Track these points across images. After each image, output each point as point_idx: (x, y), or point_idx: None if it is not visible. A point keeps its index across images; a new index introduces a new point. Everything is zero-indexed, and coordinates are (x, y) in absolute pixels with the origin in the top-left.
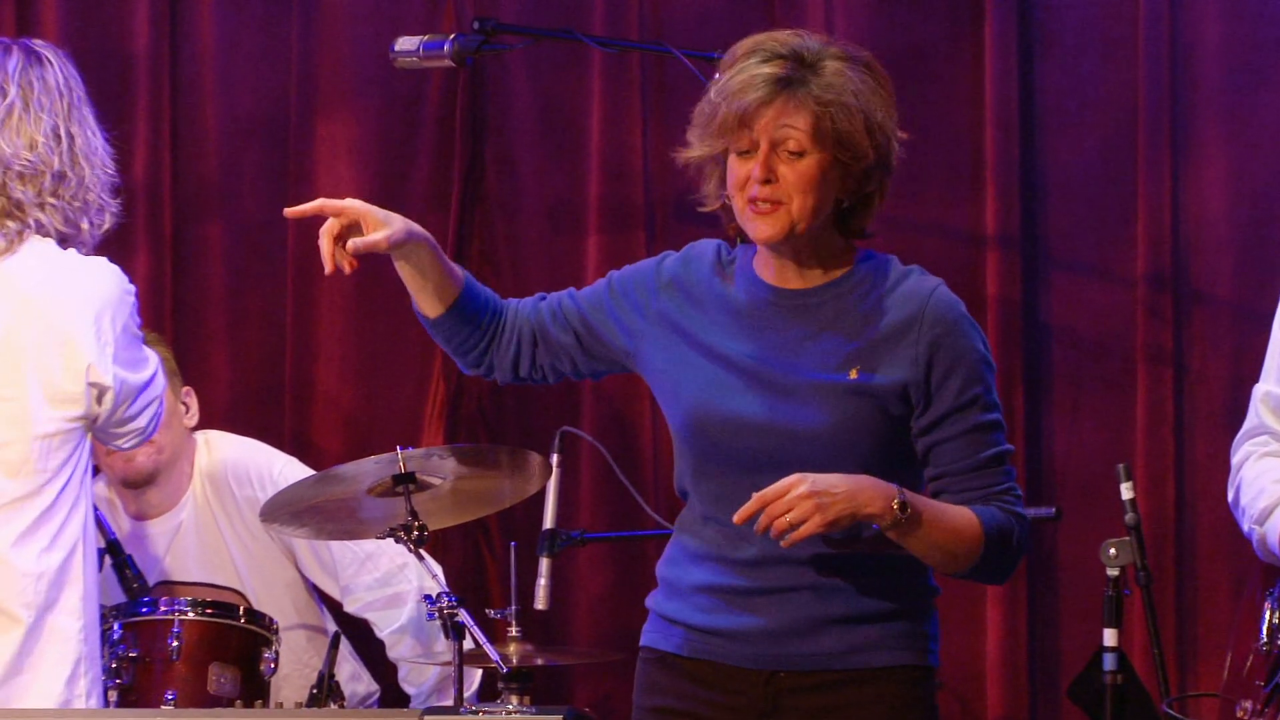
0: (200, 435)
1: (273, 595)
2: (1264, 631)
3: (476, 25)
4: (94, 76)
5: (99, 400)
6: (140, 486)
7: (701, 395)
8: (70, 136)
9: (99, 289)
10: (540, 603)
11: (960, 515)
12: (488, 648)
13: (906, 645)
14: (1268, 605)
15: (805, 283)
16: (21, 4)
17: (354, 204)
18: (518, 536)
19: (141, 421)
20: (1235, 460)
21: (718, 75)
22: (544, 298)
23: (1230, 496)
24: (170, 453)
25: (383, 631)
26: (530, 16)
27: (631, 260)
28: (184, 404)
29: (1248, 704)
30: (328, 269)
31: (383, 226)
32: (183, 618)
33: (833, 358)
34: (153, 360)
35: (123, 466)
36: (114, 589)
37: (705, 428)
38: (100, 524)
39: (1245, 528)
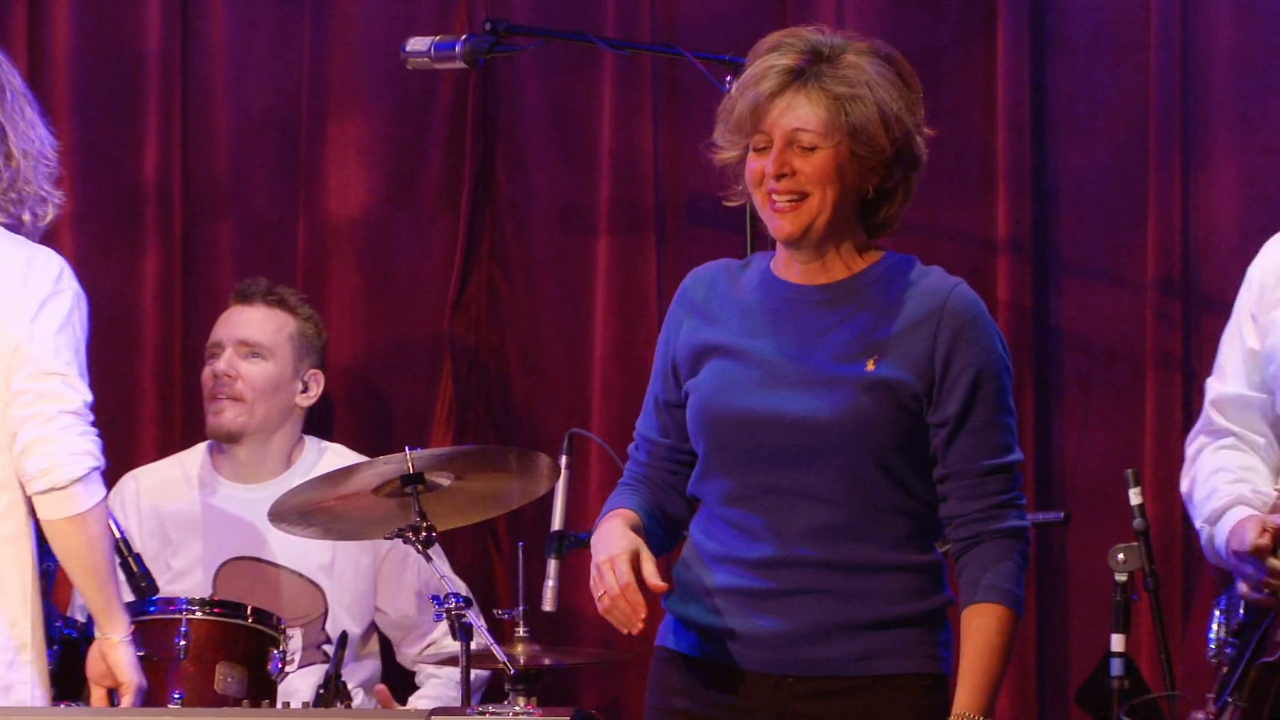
0: (327, 445)
1: (349, 614)
2: (1211, 643)
3: (488, 26)
4: (105, 76)
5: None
6: (226, 442)
7: (713, 394)
8: (2, 130)
9: (41, 276)
10: (548, 604)
11: (994, 631)
12: (495, 648)
13: (918, 653)
14: (1214, 617)
15: (828, 278)
16: (32, 3)
17: (633, 549)
18: (526, 538)
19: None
20: (1190, 451)
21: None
22: (651, 444)
23: (1184, 487)
24: (262, 417)
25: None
26: (542, 18)
27: (640, 261)
28: (303, 382)
29: (1199, 715)
30: (637, 628)
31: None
32: (190, 617)
33: (850, 348)
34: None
35: (212, 420)
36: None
37: (717, 425)
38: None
39: (1196, 524)
